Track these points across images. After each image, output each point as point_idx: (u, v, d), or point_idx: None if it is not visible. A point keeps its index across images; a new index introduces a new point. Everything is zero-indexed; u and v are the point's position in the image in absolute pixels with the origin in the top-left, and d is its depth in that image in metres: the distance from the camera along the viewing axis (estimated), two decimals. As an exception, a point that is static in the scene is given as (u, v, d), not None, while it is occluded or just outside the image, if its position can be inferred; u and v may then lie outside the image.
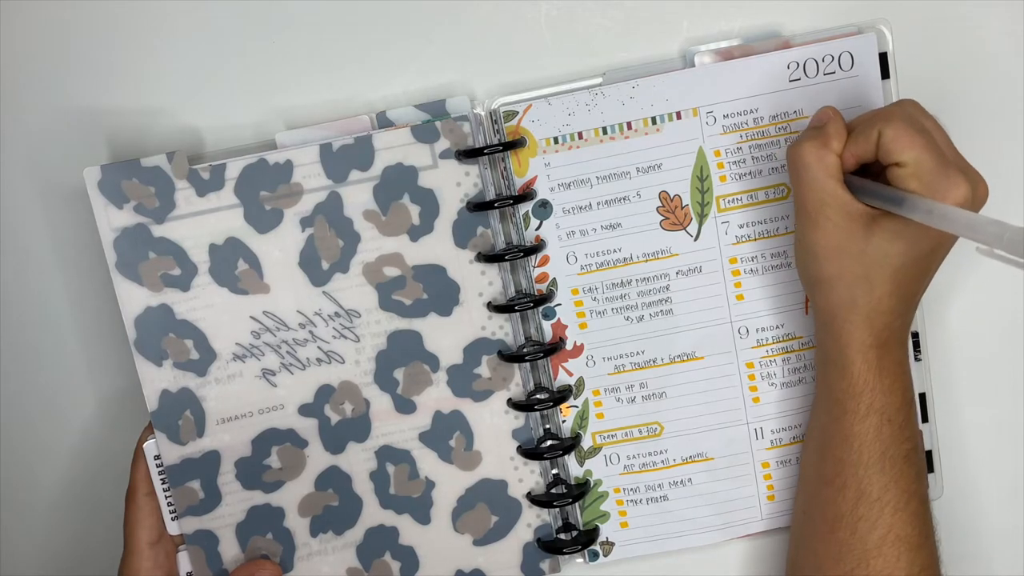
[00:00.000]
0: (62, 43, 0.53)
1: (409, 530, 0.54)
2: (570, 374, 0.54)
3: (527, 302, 0.52)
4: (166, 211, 0.51)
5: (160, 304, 0.51)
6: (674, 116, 0.52)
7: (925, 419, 0.54)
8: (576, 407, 0.54)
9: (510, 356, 0.53)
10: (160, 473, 0.52)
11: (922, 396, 0.54)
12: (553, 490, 0.54)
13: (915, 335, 0.54)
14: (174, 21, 0.53)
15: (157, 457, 0.52)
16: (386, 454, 0.53)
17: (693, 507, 0.55)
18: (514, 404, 0.53)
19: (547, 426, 0.54)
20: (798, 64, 0.51)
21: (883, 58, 0.51)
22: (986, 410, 0.56)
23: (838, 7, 0.52)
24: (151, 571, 0.51)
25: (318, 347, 0.53)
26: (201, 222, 0.51)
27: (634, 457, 0.55)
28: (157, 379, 0.52)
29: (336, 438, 0.53)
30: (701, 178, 0.52)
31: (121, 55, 0.53)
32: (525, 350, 0.53)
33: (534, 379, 0.54)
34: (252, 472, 0.53)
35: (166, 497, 0.52)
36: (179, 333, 0.52)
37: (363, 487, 0.54)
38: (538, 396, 0.54)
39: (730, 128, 0.52)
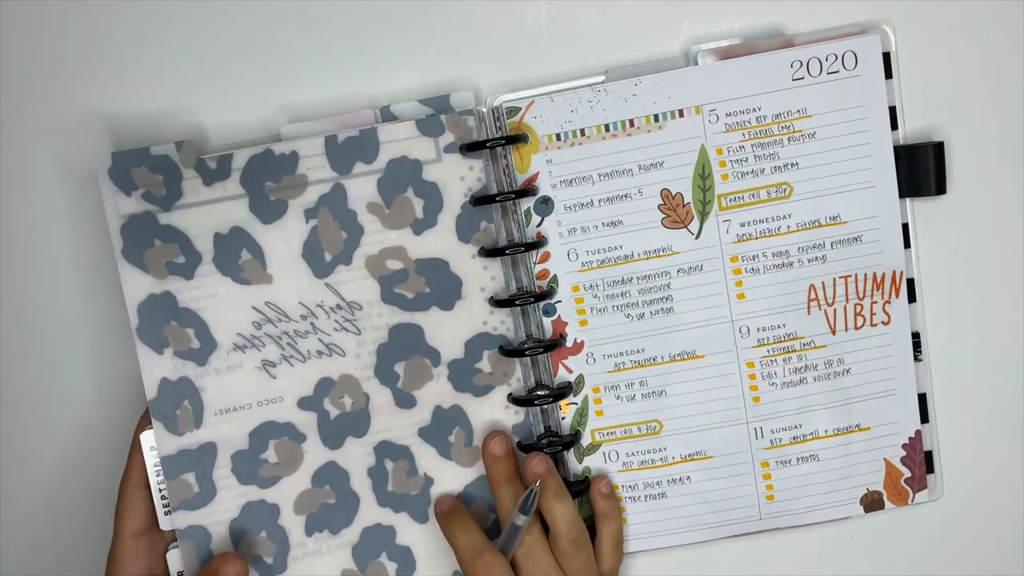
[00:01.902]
0: (76, 45, 0.54)
1: (406, 529, 0.54)
2: (570, 371, 0.54)
3: (528, 297, 0.52)
4: (173, 199, 0.51)
5: (164, 292, 0.52)
6: (676, 114, 0.52)
7: (925, 419, 0.54)
8: (576, 404, 0.54)
9: (511, 351, 0.53)
10: (156, 464, 0.52)
11: (922, 396, 0.54)
12: (552, 488, 0.54)
13: (915, 335, 0.53)
14: (181, 20, 0.54)
15: (154, 448, 0.52)
16: (385, 450, 0.53)
17: (691, 505, 0.54)
18: (514, 399, 0.53)
19: (547, 423, 0.54)
20: (801, 63, 0.51)
21: (886, 58, 0.52)
22: (986, 410, 0.55)
23: (841, 7, 0.52)
24: (130, 561, 0.50)
25: (319, 339, 0.53)
26: (207, 211, 0.52)
27: (633, 455, 0.54)
28: (157, 367, 0.52)
29: (335, 433, 0.53)
30: (703, 176, 0.53)
31: (132, 55, 0.54)
32: (525, 345, 0.53)
33: (534, 376, 0.54)
34: (248, 466, 0.52)
35: (160, 491, 0.52)
36: (181, 321, 0.52)
37: (360, 483, 0.53)
38: (538, 392, 0.53)
39: (732, 126, 0.52)
